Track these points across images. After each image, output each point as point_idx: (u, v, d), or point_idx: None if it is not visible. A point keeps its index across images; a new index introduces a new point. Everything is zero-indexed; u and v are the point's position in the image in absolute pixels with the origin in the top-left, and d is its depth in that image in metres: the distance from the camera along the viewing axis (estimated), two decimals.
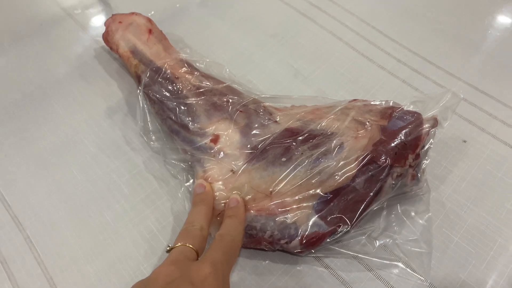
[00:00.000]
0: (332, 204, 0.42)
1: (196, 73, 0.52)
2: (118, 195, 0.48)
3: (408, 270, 0.43)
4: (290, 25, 0.65)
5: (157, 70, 0.52)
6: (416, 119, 0.44)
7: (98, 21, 0.66)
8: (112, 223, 0.47)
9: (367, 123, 0.44)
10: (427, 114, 0.45)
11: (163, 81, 0.51)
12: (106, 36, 0.58)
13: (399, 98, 0.55)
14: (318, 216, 0.42)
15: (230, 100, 0.48)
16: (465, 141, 0.52)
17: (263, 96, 0.51)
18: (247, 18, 0.66)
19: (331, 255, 0.44)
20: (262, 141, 0.45)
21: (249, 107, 0.48)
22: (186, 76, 0.51)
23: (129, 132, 0.53)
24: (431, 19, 0.65)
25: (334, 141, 0.44)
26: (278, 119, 0.47)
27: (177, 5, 0.68)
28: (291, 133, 0.45)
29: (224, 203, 0.43)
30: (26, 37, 0.64)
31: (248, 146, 0.45)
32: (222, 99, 0.49)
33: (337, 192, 0.42)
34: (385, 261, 0.43)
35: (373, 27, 0.64)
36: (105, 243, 0.45)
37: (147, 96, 0.51)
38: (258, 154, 0.44)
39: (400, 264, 0.43)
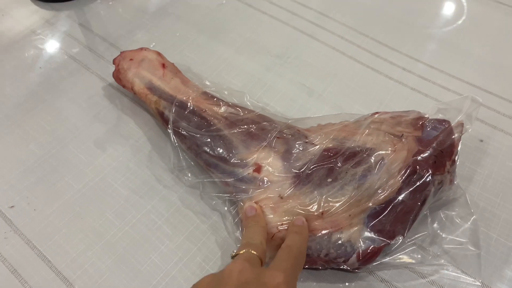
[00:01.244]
0: (382, 217, 0.43)
1: (221, 103, 0.52)
2: (161, 236, 0.48)
3: (459, 273, 0.44)
4: (292, 44, 0.66)
5: (182, 105, 0.51)
6: (447, 126, 0.46)
7: (100, 58, 0.65)
8: (162, 265, 0.46)
9: (403, 135, 0.46)
10: (452, 121, 0.48)
11: (191, 116, 0.50)
12: (118, 75, 0.57)
13: (412, 105, 0.58)
14: (370, 231, 0.43)
15: (265, 128, 0.49)
16: (481, 140, 0.55)
17: (291, 121, 0.51)
18: (249, 41, 0.67)
19: (384, 267, 0.45)
20: (304, 164, 0.46)
21: (284, 132, 0.49)
22: (214, 108, 0.51)
23: (158, 169, 0.53)
24: (423, 25, 0.68)
25: (374, 157, 0.45)
26: (314, 141, 0.48)
27: (177, 34, 0.68)
28: (330, 153, 0.46)
29: (276, 226, 0.43)
30: (32, 84, 0.62)
31: (292, 170, 0.46)
32: (257, 127, 0.49)
33: (385, 206, 0.44)
34: (436, 267, 0.44)
35: (372, 38, 0.66)
36: (159, 287, 0.44)
37: (176, 132, 0.50)
38: (303, 178, 0.45)
39: (450, 268, 0.45)
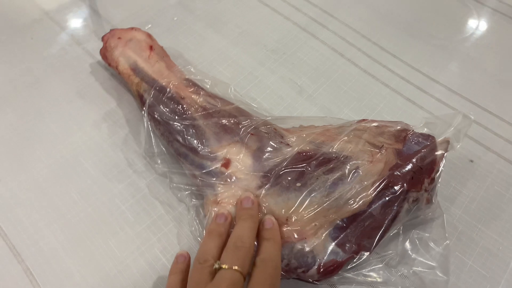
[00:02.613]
0: (349, 230, 0.41)
1: (202, 93, 0.50)
2: (122, 222, 0.46)
3: None
4: (290, 40, 0.64)
5: (162, 90, 0.49)
6: (430, 142, 0.43)
7: (93, 35, 0.63)
8: (118, 252, 0.44)
9: (383, 146, 0.43)
10: (439, 137, 0.45)
11: (168, 102, 0.48)
12: (104, 52, 0.55)
13: (404, 117, 0.55)
14: (335, 244, 0.41)
15: (240, 123, 0.46)
16: (472, 161, 0.51)
17: (270, 118, 0.49)
18: (246, 33, 0.64)
19: (347, 282, 0.42)
20: (275, 165, 0.43)
21: (260, 129, 0.46)
22: (193, 96, 0.49)
23: (131, 153, 0.51)
24: (430, 34, 0.64)
25: (349, 165, 0.42)
26: (290, 142, 0.45)
27: (175, 18, 0.66)
28: (304, 156, 0.44)
29: None
30: (18, 53, 0.61)
31: (261, 170, 0.44)
32: (232, 121, 0.47)
33: (354, 218, 0.41)
34: None
35: (374, 42, 0.63)
36: (111, 274, 0.43)
37: (151, 117, 0.48)
38: (272, 179, 0.42)
39: None
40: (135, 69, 0.52)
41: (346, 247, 0.40)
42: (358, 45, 0.63)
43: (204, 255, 0.37)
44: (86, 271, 0.43)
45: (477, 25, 0.66)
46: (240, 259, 0.36)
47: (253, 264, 0.37)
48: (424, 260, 0.43)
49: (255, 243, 0.39)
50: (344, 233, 0.41)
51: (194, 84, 0.51)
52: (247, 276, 0.36)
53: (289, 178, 0.42)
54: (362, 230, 0.41)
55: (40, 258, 0.44)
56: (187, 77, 0.52)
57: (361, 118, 0.49)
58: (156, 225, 0.46)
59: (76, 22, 0.65)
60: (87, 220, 0.46)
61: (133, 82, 0.52)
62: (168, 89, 0.49)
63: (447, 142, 0.44)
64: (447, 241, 0.43)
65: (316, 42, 0.63)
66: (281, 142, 0.45)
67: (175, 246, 0.45)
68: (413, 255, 0.43)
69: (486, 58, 0.62)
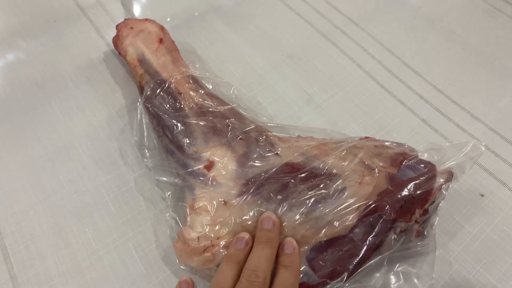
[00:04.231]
0: (325, 253, 0.38)
1: (201, 90, 0.48)
2: (103, 213, 0.45)
3: None
4: (309, 46, 0.61)
5: (161, 83, 0.48)
6: (429, 170, 0.40)
7: (112, 23, 0.63)
8: (94, 242, 0.43)
9: (375, 169, 0.40)
10: (443, 165, 0.41)
11: (166, 96, 0.47)
12: (116, 41, 0.55)
13: (415, 139, 0.51)
14: (309, 266, 0.38)
15: (231, 125, 0.45)
16: (483, 195, 0.47)
17: (267, 124, 0.47)
18: (266, 35, 0.62)
19: None
20: (259, 174, 0.41)
21: (251, 134, 0.44)
22: (190, 93, 0.48)
23: (126, 145, 0.50)
24: (459, 56, 0.60)
25: (336, 184, 0.40)
26: (279, 151, 0.43)
27: (196, 14, 0.65)
28: (291, 168, 0.41)
29: (211, 239, 0.39)
30: (38, 33, 0.62)
31: (244, 177, 0.41)
32: (223, 122, 0.45)
33: (333, 241, 0.38)
34: None
35: (398, 57, 0.59)
36: (83, 265, 0.42)
37: (146, 109, 0.48)
38: (253, 188, 0.40)
39: None
40: (142, 60, 0.52)
41: (320, 270, 0.38)
42: (379, 58, 0.59)
43: (218, 285, 0.36)
44: (59, 256, 0.43)
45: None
46: None
47: None
48: None
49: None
50: (319, 256, 0.38)
51: (195, 81, 0.49)
52: None
53: (271, 189, 0.40)
54: (340, 255, 0.38)
55: (19, 238, 0.44)
56: (190, 73, 0.50)
57: (367, 135, 0.46)
58: (136, 221, 0.45)
59: (99, 10, 0.65)
60: (70, 205, 0.46)
61: (138, 73, 0.51)
62: (167, 83, 0.48)
63: (449, 172, 0.40)
64: (433, 280, 0.40)
65: (335, 51, 0.60)
66: (270, 150, 0.43)
67: (151, 244, 0.43)
68: None
69: None
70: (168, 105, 0.47)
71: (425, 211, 0.39)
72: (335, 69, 0.58)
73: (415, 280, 0.40)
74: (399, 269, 0.40)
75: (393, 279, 0.40)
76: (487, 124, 0.52)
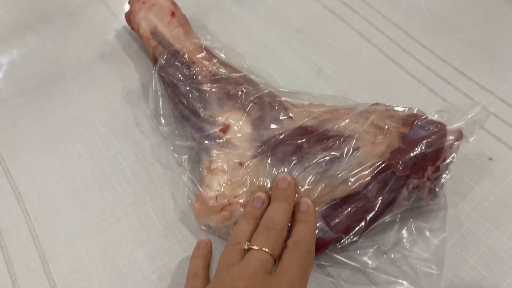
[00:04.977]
0: (340, 210, 0.39)
1: (214, 60, 0.49)
2: (121, 178, 0.46)
3: None
4: (317, 21, 0.62)
5: (175, 53, 0.49)
6: (439, 130, 0.41)
7: (122, 1, 0.64)
8: (112, 205, 0.45)
9: (387, 128, 0.41)
10: (452, 126, 0.42)
11: (179, 65, 0.48)
12: (129, 16, 0.56)
13: (424, 107, 0.51)
14: (324, 222, 0.39)
15: (245, 90, 0.46)
16: (491, 159, 0.48)
17: (280, 90, 0.48)
18: (274, 10, 0.63)
19: (336, 264, 0.40)
20: (273, 136, 0.42)
21: (264, 99, 0.45)
22: (204, 62, 0.49)
23: (141, 115, 0.51)
24: (466, 31, 0.60)
25: (350, 145, 0.40)
26: (292, 115, 0.44)
27: None
28: (305, 131, 0.43)
29: (228, 197, 0.40)
30: (51, 13, 0.63)
31: (259, 140, 0.42)
32: (237, 88, 0.46)
33: (348, 198, 0.39)
34: (391, 278, 0.39)
35: (405, 31, 0.60)
36: (102, 225, 0.43)
37: (161, 78, 0.49)
38: (268, 150, 0.41)
39: (406, 283, 0.39)
40: (155, 33, 0.53)
41: (335, 226, 0.39)
42: (387, 32, 0.60)
43: (236, 237, 0.36)
44: (79, 218, 0.44)
45: None
46: (271, 241, 0.35)
47: (285, 246, 0.36)
48: (419, 251, 0.40)
49: (289, 224, 0.38)
50: (335, 212, 0.39)
51: (208, 51, 0.51)
52: (278, 259, 0.35)
53: (285, 151, 0.41)
54: (354, 212, 0.39)
55: (39, 201, 0.45)
56: (202, 44, 0.51)
57: (377, 102, 0.47)
58: (153, 185, 0.46)
59: None
60: (87, 171, 0.47)
61: (151, 45, 0.52)
62: (181, 53, 0.49)
63: (459, 131, 0.41)
64: (445, 234, 0.40)
65: (344, 26, 0.61)
66: (284, 114, 0.44)
67: (168, 206, 0.44)
68: (408, 245, 0.41)
69: None
70: (182, 74, 0.48)
71: (437, 169, 0.40)
72: (344, 43, 0.59)
73: (428, 234, 0.41)
74: (411, 225, 0.41)
75: (406, 234, 0.41)
76: (494, 93, 0.53)
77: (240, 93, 0.45)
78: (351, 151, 0.40)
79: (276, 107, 0.45)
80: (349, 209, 0.39)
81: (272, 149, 0.41)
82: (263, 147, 0.42)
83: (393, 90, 0.54)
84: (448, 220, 0.42)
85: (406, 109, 0.45)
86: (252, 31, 0.61)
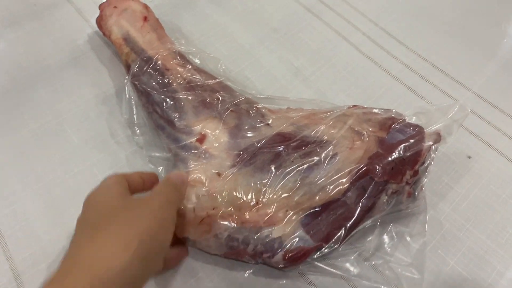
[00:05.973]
0: (320, 218, 0.39)
1: (188, 66, 0.48)
2: None
3: None
4: (294, 20, 0.61)
5: (148, 60, 0.48)
6: (417, 133, 0.40)
7: (93, 4, 0.62)
8: None
9: (365, 133, 0.40)
10: (430, 127, 0.41)
11: (153, 72, 0.47)
12: (100, 21, 0.54)
13: (403, 106, 0.52)
14: (304, 230, 0.38)
15: (221, 98, 0.44)
16: (469, 157, 0.48)
17: (257, 96, 0.47)
18: (250, 10, 0.62)
19: (317, 272, 0.40)
20: (251, 144, 0.41)
21: (241, 107, 0.44)
22: (178, 68, 0.48)
23: (115, 124, 0.50)
24: (443, 23, 0.60)
25: (327, 151, 0.40)
26: (270, 122, 0.43)
27: None
28: (282, 138, 0.42)
29: (206, 209, 0.39)
30: (18, 17, 0.60)
31: (236, 148, 0.41)
32: (213, 96, 0.45)
33: (326, 206, 0.39)
34: (374, 284, 0.39)
35: (382, 28, 0.60)
36: None
37: (134, 87, 0.47)
38: (246, 158, 0.40)
39: None
40: (127, 39, 0.51)
41: (315, 235, 0.38)
42: (364, 30, 0.59)
43: None
44: (55, 236, 0.42)
45: (495, 16, 0.61)
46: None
47: None
48: (400, 256, 0.40)
49: None
50: (314, 221, 0.38)
51: (182, 57, 0.49)
52: None
53: (264, 159, 0.40)
54: (334, 219, 0.38)
55: (12, 219, 0.43)
56: (176, 49, 0.50)
57: (355, 104, 0.46)
58: None
59: None
60: (63, 186, 0.45)
61: (123, 51, 0.50)
62: (154, 60, 0.48)
63: (437, 134, 0.41)
64: (425, 238, 0.40)
65: (320, 24, 0.60)
66: (261, 121, 0.43)
67: None
68: (389, 250, 0.40)
69: (499, 48, 0.57)
70: (156, 82, 0.46)
71: (415, 172, 0.39)
72: (321, 41, 0.58)
73: (408, 239, 0.40)
74: (392, 229, 0.41)
75: (386, 239, 0.41)
76: (471, 89, 0.53)
77: (216, 101, 0.44)
78: (329, 158, 0.39)
79: (253, 114, 0.44)
80: (329, 216, 0.38)
81: (250, 158, 0.41)
82: (241, 156, 0.41)
83: (371, 89, 0.53)
84: (428, 222, 0.42)
85: (384, 111, 0.44)
86: (228, 31, 0.59)
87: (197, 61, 0.50)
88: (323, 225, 0.38)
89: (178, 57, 0.49)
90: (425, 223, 0.41)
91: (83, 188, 0.44)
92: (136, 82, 0.47)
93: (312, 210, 0.39)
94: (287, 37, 0.59)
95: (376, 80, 0.54)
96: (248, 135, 0.42)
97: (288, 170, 0.39)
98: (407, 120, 0.42)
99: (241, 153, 0.41)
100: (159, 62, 0.48)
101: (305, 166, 0.39)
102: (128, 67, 0.49)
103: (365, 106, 0.46)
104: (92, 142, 0.48)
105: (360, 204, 0.38)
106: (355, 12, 0.61)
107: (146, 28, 0.52)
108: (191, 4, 0.62)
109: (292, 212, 0.39)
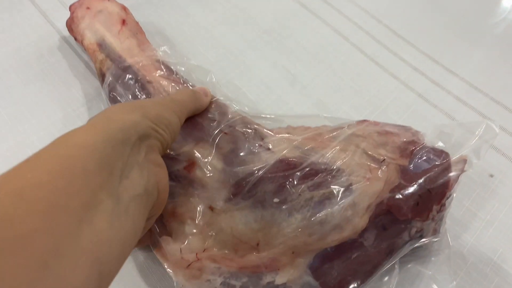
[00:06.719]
0: (332, 261, 0.33)
1: (173, 78, 0.41)
2: None
3: None
4: (288, 19, 0.54)
5: (126, 70, 0.41)
6: (443, 160, 0.34)
7: (60, 5, 0.54)
8: None
9: (383, 160, 0.34)
10: (456, 151, 0.35)
11: (132, 84, 0.40)
12: (71, 24, 0.47)
13: (414, 117, 0.46)
14: (312, 275, 0.33)
15: (211, 117, 0.38)
16: (492, 176, 0.42)
17: (253, 115, 0.40)
18: (237, 9, 0.55)
19: None
20: (250, 173, 0.34)
21: (237, 128, 0.38)
22: (161, 82, 0.41)
23: None
24: (453, 19, 0.54)
25: (341, 182, 0.34)
26: (271, 146, 0.37)
27: None
28: (287, 165, 0.35)
29: (195, 251, 0.33)
30: None
31: (233, 178, 0.35)
32: (204, 115, 0.39)
33: (340, 247, 0.33)
34: None
35: (386, 25, 0.53)
36: None
37: (110, 100, 0.40)
38: (244, 190, 0.34)
39: None
40: (102, 45, 0.43)
41: (326, 281, 0.32)
42: (367, 28, 0.53)
43: None
44: None
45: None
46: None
47: None
48: None
49: None
50: (326, 265, 0.33)
51: (166, 68, 0.42)
52: None
53: (265, 191, 0.34)
54: (349, 264, 0.33)
55: None
56: (159, 59, 0.43)
57: (362, 117, 0.40)
58: None
59: None
60: None
61: (97, 58, 0.43)
62: (134, 70, 0.41)
63: (464, 161, 0.35)
64: (454, 282, 0.35)
65: (318, 23, 0.53)
66: (261, 145, 0.37)
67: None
68: None
69: None
70: (134, 95, 0.39)
71: (442, 206, 0.34)
72: (320, 43, 0.52)
73: (434, 286, 0.35)
74: (413, 271, 0.35)
75: (407, 282, 0.35)
76: (489, 94, 0.48)
77: (207, 121, 0.37)
78: (343, 190, 0.33)
79: (251, 137, 0.37)
80: (342, 260, 0.33)
81: (250, 189, 0.34)
82: (238, 187, 0.34)
83: (378, 98, 0.47)
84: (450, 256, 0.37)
85: (398, 128, 0.38)
86: (214, 34, 0.52)
87: (182, 69, 0.43)
88: (335, 270, 0.33)
89: (162, 67, 0.42)
90: (450, 263, 0.35)
91: None
92: (112, 95, 0.40)
93: (322, 252, 0.33)
94: (281, 39, 0.52)
95: (382, 87, 0.48)
96: (246, 161, 0.35)
97: (295, 205, 0.33)
98: (427, 141, 0.36)
99: (238, 184, 0.34)
100: (139, 74, 0.41)
101: (315, 200, 0.33)
102: (102, 76, 0.42)
103: (375, 121, 0.39)
104: None
105: (379, 247, 0.32)
106: (355, 7, 0.55)
107: (125, 33, 0.44)
108: (171, 3, 0.55)
109: (299, 255, 0.33)
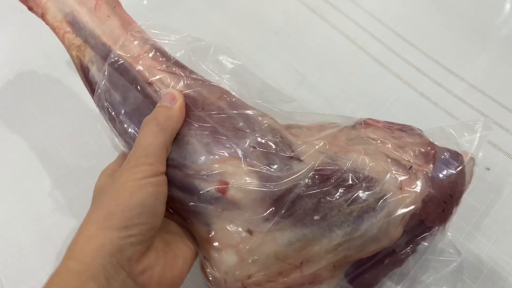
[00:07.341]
0: (365, 267, 0.27)
1: (182, 74, 0.28)
2: None
3: None
4: (297, 22, 0.46)
5: (119, 66, 0.28)
6: (460, 163, 0.28)
7: None
8: None
9: (411, 167, 0.28)
10: (459, 150, 0.30)
11: (130, 88, 0.27)
12: None
13: (416, 114, 0.40)
14: (347, 281, 0.27)
15: (241, 129, 0.28)
16: (488, 169, 0.37)
17: (276, 110, 0.32)
18: (247, 11, 0.46)
19: None
20: (288, 189, 0.26)
21: (266, 139, 0.28)
22: (168, 80, 0.28)
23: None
24: (455, 21, 0.47)
25: (375, 192, 0.27)
26: (301, 156, 0.28)
27: None
28: (321, 177, 0.27)
29: (241, 279, 0.26)
30: None
31: (270, 196, 0.26)
32: (225, 123, 0.28)
33: (374, 255, 0.27)
34: None
35: (391, 28, 0.46)
36: None
37: (105, 109, 0.28)
38: (283, 209, 0.26)
39: None
40: (74, 24, 0.29)
41: (358, 285, 0.27)
42: (372, 31, 0.46)
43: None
44: (52, 269, 0.29)
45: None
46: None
47: None
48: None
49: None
50: (360, 271, 0.27)
51: (168, 59, 0.28)
52: None
53: (305, 208, 0.26)
54: (380, 268, 0.27)
55: (5, 251, 0.31)
56: (155, 43, 0.29)
57: (367, 115, 0.33)
58: None
59: None
60: (58, 213, 0.33)
61: (71, 43, 0.28)
62: (126, 66, 0.28)
63: (472, 159, 0.29)
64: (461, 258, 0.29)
65: (325, 26, 0.46)
66: (291, 157, 0.28)
67: None
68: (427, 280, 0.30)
69: None
70: (137, 104, 0.27)
71: (457, 205, 0.28)
72: (327, 45, 0.44)
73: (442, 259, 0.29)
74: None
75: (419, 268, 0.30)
76: (487, 93, 0.42)
77: (232, 132, 0.27)
78: (378, 201, 0.26)
79: (280, 148, 0.28)
80: (375, 267, 0.27)
81: (289, 207, 0.26)
82: (276, 205, 0.26)
83: (382, 97, 0.41)
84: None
85: (405, 128, 0.31)
86: (225, 34, 0.44)
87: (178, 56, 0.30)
88: (368, 275, 0.27)
89: (159, 55, 0.29)
90: (454, 245, 0.30)
91: (80, 216, 0.30)
92: (103, 101, 0.28)
93: (358, 261, 0.27)
94: (290, 40, 0.44)
95: (386, 87, 0.42)
96: (281, 177, 0.27)
97: (335, 221, 0.26)
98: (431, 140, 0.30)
99: (277, 202, 0.26)
100: (133, 72, 0.27)
101: (354, 215, 0.26)
102: (83, 70, 0.28)
103: (378, 120, 0.32)
104: (87, 163, 0.35)
105: (407, 251, 0.27)
106: (361, 11, 0.47)
107: (103, 9, 0.29)
108: (184, 5, 0.46)
109: (340, 267, 0.27)
